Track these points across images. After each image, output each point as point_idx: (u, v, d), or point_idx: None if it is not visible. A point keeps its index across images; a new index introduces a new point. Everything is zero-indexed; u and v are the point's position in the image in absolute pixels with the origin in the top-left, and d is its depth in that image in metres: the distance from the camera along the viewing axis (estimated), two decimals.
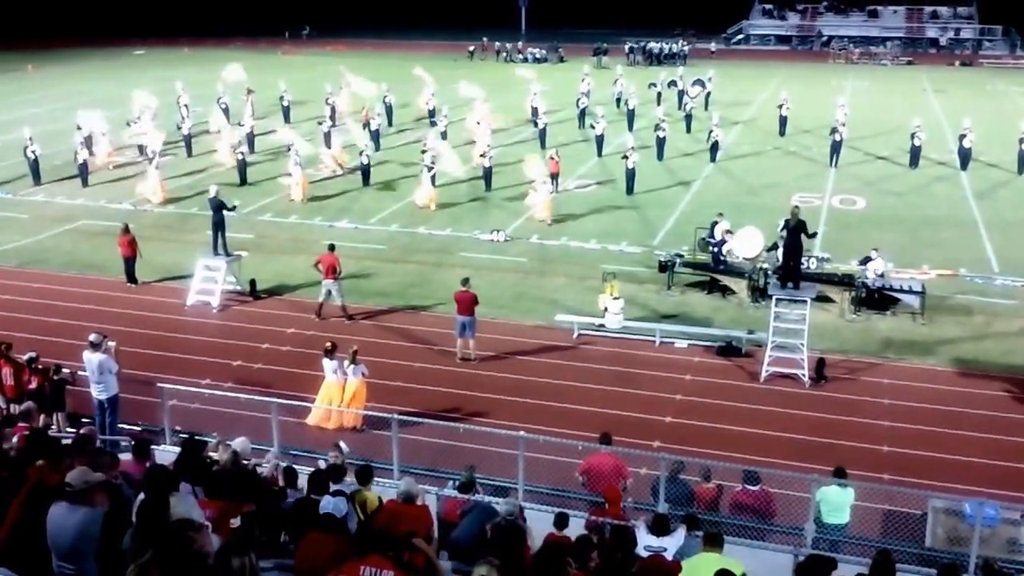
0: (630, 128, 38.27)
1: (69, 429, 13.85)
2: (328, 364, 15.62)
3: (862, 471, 12.85)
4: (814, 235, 19.25)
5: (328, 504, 7.42)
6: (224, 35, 79.38)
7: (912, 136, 33.14)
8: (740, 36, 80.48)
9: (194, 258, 21.94)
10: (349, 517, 7.97)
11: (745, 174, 32.51)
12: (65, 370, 14.80)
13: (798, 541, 10.66)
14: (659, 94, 45.31)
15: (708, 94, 44.94)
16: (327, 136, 34.15)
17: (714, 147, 34.10)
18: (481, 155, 30.39)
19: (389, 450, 12.80)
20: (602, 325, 19.30)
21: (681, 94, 44.01)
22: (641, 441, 14.28)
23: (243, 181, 30.93)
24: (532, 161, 27.80)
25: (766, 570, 9.12)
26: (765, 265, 20.81)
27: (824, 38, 77.26)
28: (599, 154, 34.56)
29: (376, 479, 10.00)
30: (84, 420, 14.24)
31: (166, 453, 11.32)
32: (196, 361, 17.93)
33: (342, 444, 11.87)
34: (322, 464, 11.15)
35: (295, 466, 10.61)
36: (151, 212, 28.41)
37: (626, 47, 67.00)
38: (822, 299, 19.91)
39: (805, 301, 17.76)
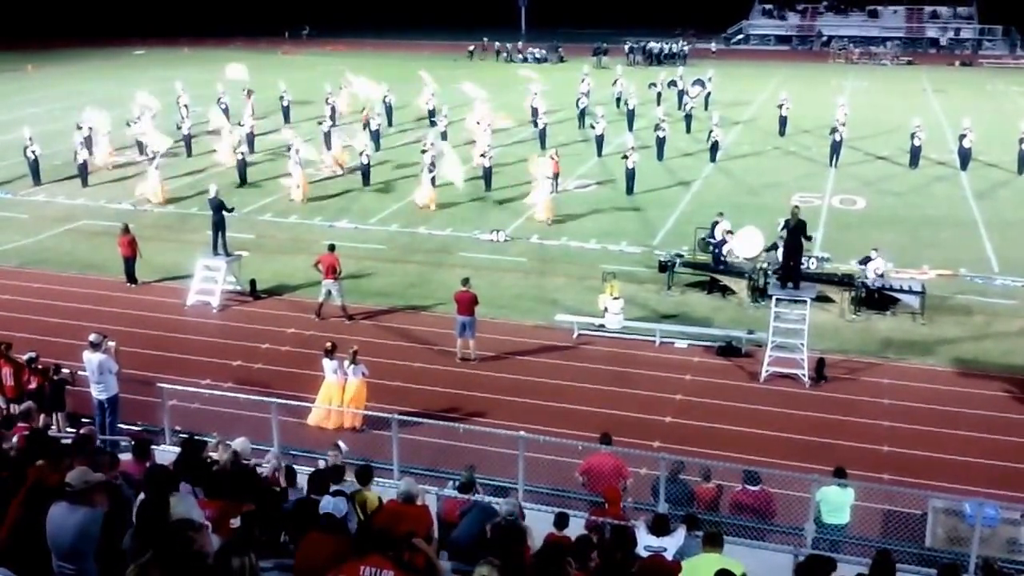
0: (630, 128, 38.26)
1: (69, 429, 13.85)
2: (328, 364, 15.62)
3: (862, 471, 12.85)
4: (809, 238, 19.27)
5: (328, 504, 7.42)
6: (224, 35, 79.37)
7: (912, 136, 33.14)
8: (740, 36, 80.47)
9: (194, 258, 21.94)
10: (349, 517, 7.97)
11: (745, 174, 32.51)
12: (65, 370, 14.80)
13: (798, 541, 10.67)
14: (659, 94, 45.29)
15: (708, 94, 44.92)
16: (327, 136, 34.17)
17: (714, 147, 34.10)
18: (481, 155, 30.40)
19: (389, 450, 12.80)
20: (602, 325, 19.30)
21: (681, 94, 44.00)
22: (641, 441, 14.28)
23: (243, 181, 30.93)
24: (538, 160, 27.87)
25: (766, 570, 9.13)
26: (765, 265, 20.81)
27: (824, 38, 77.25)
28: (599, 154, 34.56)
29: (376, 479, 10.02)
30: (84, 420, 14.23)
31: (166, 453, 11.32)
32: (196, 361, 17.93)
33: (341, 443, 11.89)
34: (322, 464, 11.16)
35: (295, 466, 10.63)
36: (151, 212, 28.41)
37: (626, 47, 67.00)
38: (822, 299, 19.91)
39: (805, 301, 17.76)
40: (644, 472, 12.27)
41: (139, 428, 14.11)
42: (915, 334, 19.37)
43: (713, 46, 71.42)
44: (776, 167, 33.65)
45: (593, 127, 35.74)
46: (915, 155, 33.14)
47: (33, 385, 14.46)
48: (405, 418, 13.78)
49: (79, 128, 32.87)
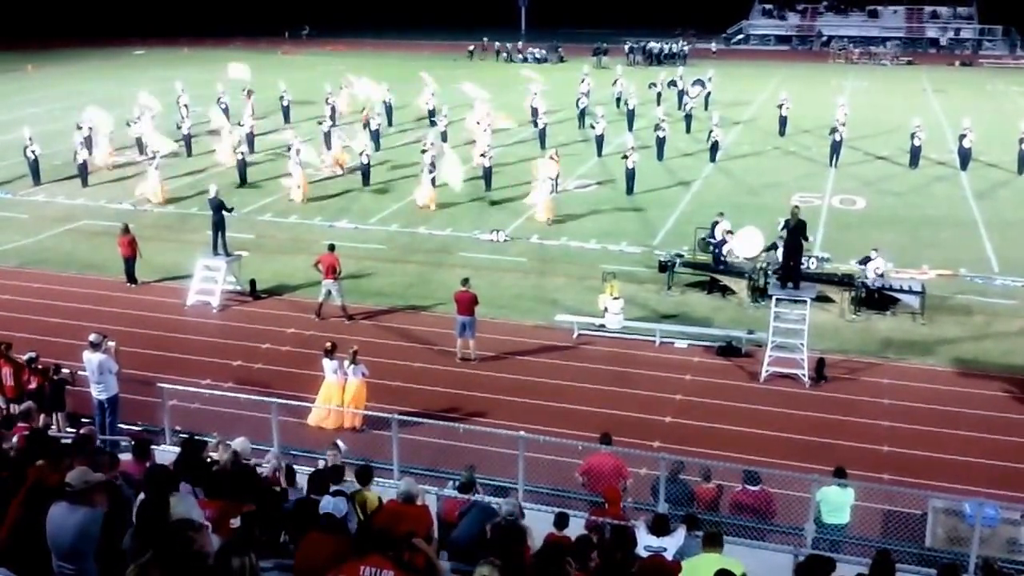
0: (630, 128, 38.26)
1: (69, 429, 13.84)
2: (328, 364, 15.62)
3: (862, 471, 12.85)
4: (808, 239, 19.27)
5: (328, 504, 7.42)
6: (224, 35, 79.35)
7: (912, 136, 33.14)
8: (740, 36, 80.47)
9: (194, 258, 21.94)
10: (349, 517, 7.97)
11: (745, 174, 32.51)
12: (65, 370, 14.80)
13: (798, 541, 10.66)
14: (659, 94, 45.29)
15: (708, 94, 44.92)
16: (327, 136, 34.18)
17: (714, 147, 34.10)
18: (481, 155, 30.41)
19: (389, 450, 12.79)
20: (602, 325, 19.29)
21: (681, 94, 44.00)
22: (641, 441, 14.28)
23: (243, 181, 30.93)
24: (542, 161, 27.87)
25: (766, 570, 9.12)
26: (765, 265, 20.81)
27: (824, 38, 77.25)
28: (599, 154, 34.56)
29: (376, 479, 10.02)
30: (84, 420, 14.22)
31: (166, 453, 11.32)
32: (196, 361, 17.93)
33: (340, 443, 11.88)
34: (322, 464, 11.16)
35: (295, 466, 10.63)
36: (151, 212, 28.41)
37: (626, 47, 66.98)
38: (822, 299, 19.91)
39: (805, 301, 17.76)
40: (644, 472, 12.28)
41: (139, 428, 14.11)
42: (915, 334, 19.37)
43: (713, 46, 71.40)
44: (776, 167, 33.65)
45: (593, 127, 35.73)
46: (915, 155, 33.14)
47: (33, 385, 14.46)
48: (405, 418, 13.77)
49: (79, 128, 32.87)
